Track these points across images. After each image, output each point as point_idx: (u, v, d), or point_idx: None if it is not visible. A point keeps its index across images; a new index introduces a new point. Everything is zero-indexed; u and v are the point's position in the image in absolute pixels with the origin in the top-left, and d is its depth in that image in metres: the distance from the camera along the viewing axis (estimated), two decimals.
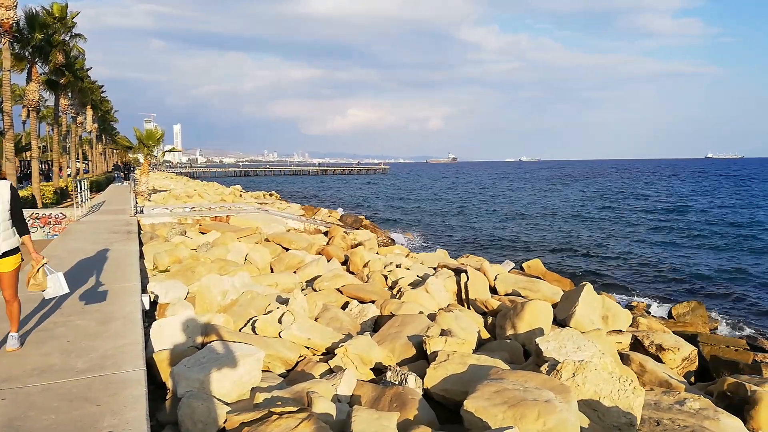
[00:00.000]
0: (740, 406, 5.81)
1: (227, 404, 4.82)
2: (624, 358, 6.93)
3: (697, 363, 8.20)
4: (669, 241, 27.25)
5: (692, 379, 8.05)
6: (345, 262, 13.30)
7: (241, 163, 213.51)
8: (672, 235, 28.93)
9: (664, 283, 18.29)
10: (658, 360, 7.77)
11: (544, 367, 5.40)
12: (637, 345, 8.34)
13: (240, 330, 7.20)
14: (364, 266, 12.49)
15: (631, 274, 19.56)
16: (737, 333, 12.59)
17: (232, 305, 8.16)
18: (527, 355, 7.07)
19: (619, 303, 11.53)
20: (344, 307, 9.21)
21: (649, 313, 12.77)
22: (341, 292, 9.87)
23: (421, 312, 8.44)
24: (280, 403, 4.63)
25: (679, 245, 25.91)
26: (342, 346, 6.24)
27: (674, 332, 9.75)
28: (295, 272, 11.48)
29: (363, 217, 29.56)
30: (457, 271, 11.38)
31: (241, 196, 36.02)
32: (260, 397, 4.81)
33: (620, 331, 8.68)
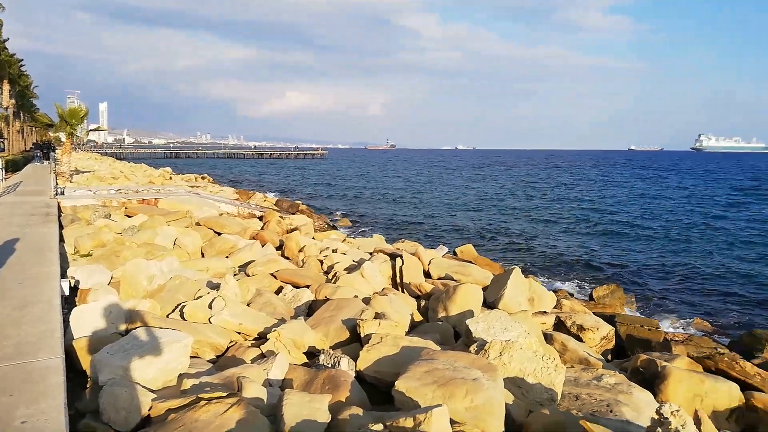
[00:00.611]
0: (651, 380, 6.24)
1: (153, 391, 4.67)
2: (548, 338, 7.27)
3: (614, 342, 8.72)
4: (592, 229, 28.66)
5: (609, 357, 8.55)
6: (280, 247, 13.13)
7: (171, 145, 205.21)
8: (595, 224, 30.43)
9: (586, 267, 19.26)
10: (579, 339, 8.20)
11: (473, 347, 5.57)
12: (560, 325, 8.77)
13: (168, 316, 6.98)
14: (300, 251, 12.38)
15: (557, 259, 20.47)
16: (650, 313, 13.48)
17: (160, 291, 7.89)
18: (458, 337, 7.27)
19: (544, 286, 12.04)
20: (278, 292, 9.11)
21: (572, 295, 13.42)
22: (275, 277, 9.76)
23: (356, 296, 8.48)
24: (208, 389, 4.53)
25: (602, 233, 27.31)
26: (275, 330, 6.19)
27: (594, 313, 10.32)
28: (227, 257, 11.23)
29: (299, 202, 29.24)
30: (393, 256, 11.50)
31: (171, 178, 34.69)
32: (188, 384, 4.70)
33: (545, 312, 9.09)
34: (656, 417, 3.33)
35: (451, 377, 4.53)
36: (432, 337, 6.75)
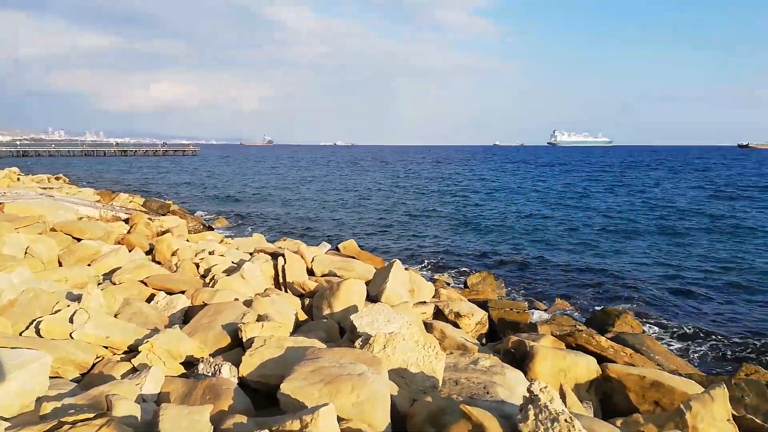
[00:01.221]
0: (522, 359, 6.73)
1: (5, 419, 4.15)
2: (428, 327, 7.55)
3: (487, 326, 9.29)
4: (465, 222, 30.28)
5: (484, 341, 9.11)
6: (150, 252, 12.29)
7: (18, 142, 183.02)
8: (467, 217, 32.19)
9: (460, 257, 20.33)
10: (456, 326, 8.63)
11: (358, 342, 5.63)
12: (438, 314, 9.16)
13: (21, 334, 6.23)
14: (173, 255, 11.68)
15: (434, 250, 21.37)
16: (519, 297, 14.56)
17: (10, 306, 7.01)
18: (344, 333, 7.31)
19: (423, 277, 12.51)
20: (150, 300, 8.52)
21: (449, 284, 14.09)
22: (146, 285, 9.11)
23: (236, 299, 8.18)
24: (73, 411, 4.11)
25: (474, 226, 28.95)
26: (147, 341, 5.77)
27: (469, 300, 10.92)
28: (89, 265, 10.28)
29: (170, 202, 27.59)
30: (274, 255, 11.26)
31: (19, 179, 31.00)
32: (48, 407, 4.22)
33: (425, 302, 9.44)
34: (527, 395, 3.57)
35: (337, 374, 4.53)
36: (317, 335, 6.71)
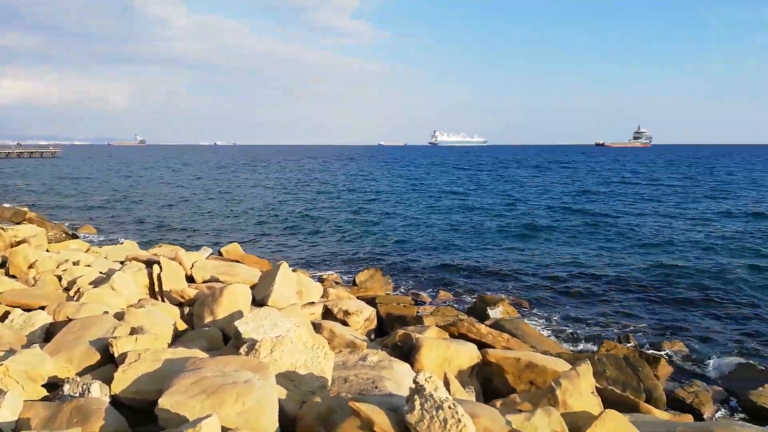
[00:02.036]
0: (409, 352, 6.90)
1: None
2: (317, 327, 7.49)
3: (375, 322, 9.43)
4: (352, 219, 30.52)
5: (373, 336, 9.23)
6: (3, 265, 10.98)
7: None
8: (354, 214, 32.49)
9: (349, 255, 20.46)
10: (345, 324, 8.66)
11: (243, 348, 5.43)
12: (327, 313, 9.13)
13: None
14: (30, 267, 10.53)
15: (323, 249, 21.31)
16: (406, 292, 14.95)
17: None
18: (228, 340, 7.02)
19: (312, 277, 12.41)
20: (4, 318, 7.60)
21: (338, 283, 14.11)
22: None
23: (106, 312, 7.55)
24: None
25: (362, 222, 29.27)
26: (2, 364, 5.14)
27: (358, 297, 11.02)
28: None
29: (26, 209, 24.87)
30: (149, 263, 10.55)
31: None
32: None
33: (313, 303, 9.36)
34: (413, 386, 3.65)
35: (220, 384, 4.34)
36: (199, 344, 6.39)
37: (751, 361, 10.51)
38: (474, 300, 13.68)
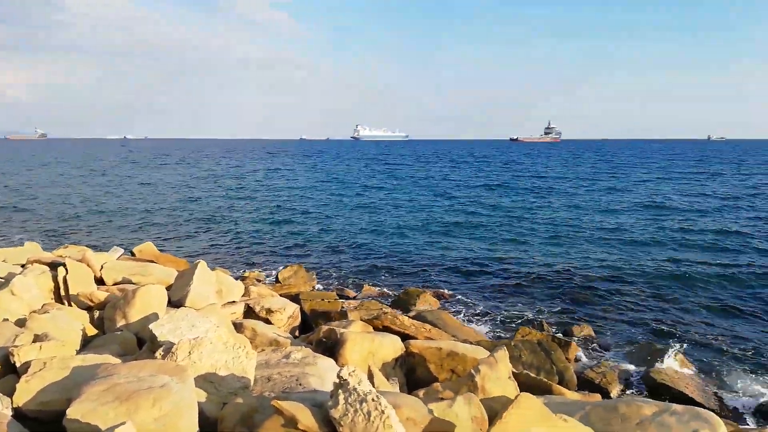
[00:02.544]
0: (333, 347, 6.90)
1: None
2: (238, 327, 7.32)
3: (299, 318, 9.34)
4: (271, 215, 30.00)
5: (297, 333, 9.14)
6: None
7: None
8: (273, 210, 31.94)
9: (270, 252, 20.11)
10: (269, 322, 8.51)
11: (159, 352, 5.21)
12: (250, 312, 8.94)
13: None
14: None
15: (244, 247, 20.80)
16: (330, 287, 14.92)
17: None
18: (143, 344, 6.70)
19: (233, 276, 12.09)
20: None
21: (260, 281, 13.84)
22: None
23: (6, 319, 6.98)
24: None
25: (282, 219, 28.83)
26: None
27: (281, 295, 10.87)
28: None
29: None
30: (54, 265, 9.85)
31: None
32: None
33: (234, 302, 9.12)
34: (337, 381, 3.66)
35: (135, 389, 4.14)
36: (111, 350, 6.06)
37: (650, 342, 11.38)
38: (398, 293, 13.88)
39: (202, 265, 8.79)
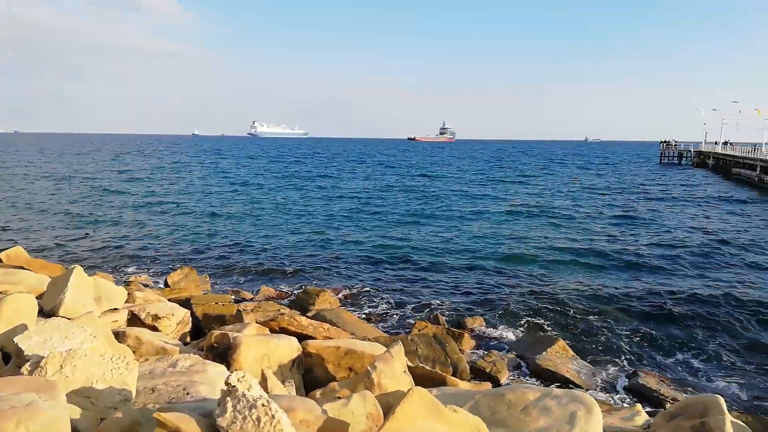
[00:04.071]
0: (226, 353, 6.63)
1: None
2: (120, 336, 6.82)
3: (190, 324, 8.89)
4: (160, 213, 28.43)
5: (188, 339, 8.69)
6: None
7: None
8: (161, 208, 30.28)
9: (161, 253, 19.01)
10: (155, 329, 8.02)
11: (26, 367, 4.71)
12: (135, 319, 8.36)
13: None
14: None
15: (128, 249, 19.49)
16: (225, 290, 14.37)
17: None
18: (9, 359, 6.03)
19: (116, 281, 11.27)
20: None
21: (147, 286, 13.03)
22: None
23: None
24: None
25: (173, 218, 27.39)
26: None
27: (171, 299, 10.29)
28: None
29: None
30: None
31: None
32: None
33: (116, 309, 8.49)
34: (225, 387, 3.51)
35: None
36: None
37: (536, 330, 12.14)
38: (297, 293, 13.69)
39: (77, 271, 8.08)
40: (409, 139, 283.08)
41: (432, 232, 24.08)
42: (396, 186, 45.50)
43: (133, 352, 6.46)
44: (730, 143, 72.29)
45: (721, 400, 4.70)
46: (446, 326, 11.66)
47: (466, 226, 25.58)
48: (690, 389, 9.34)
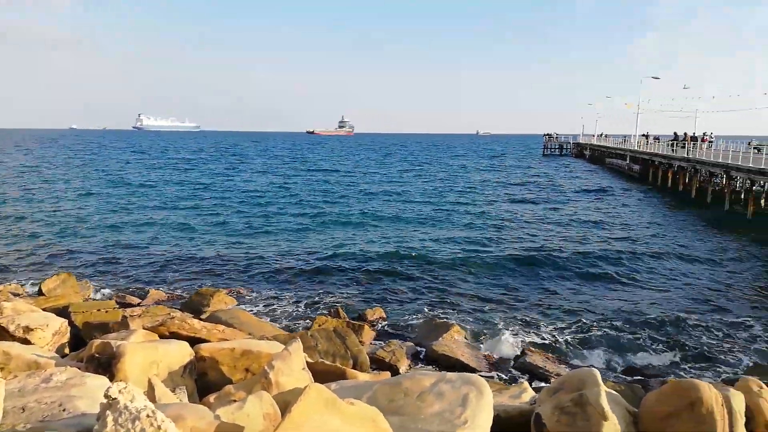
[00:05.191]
0: (109, 363, 6.17)
1: None
2: None
3: (68, 334, 8.19)
4: (32, 212, 25.96)
5: (66, 351, 8.00)
6: None
7: None
8: (35, 206, 27.68)
9: (34, 258, 17.35)
10: (28, 342, 7.30)
11: None
12: (2, 332, 7.56)
13: None
14: None
15: None
16: (109, 296, 13.39)
17: None
18: None
19: None
20: None
21: (17, 295, 11.83)
22: None
23: None
24: None
25: (49, 220, 25.09)
26: None
27: (46, 309, 9.42)
28: None
29: None
30: None
31: None
32: None
33: None
34: (105, 400, 3.26)
35: None
36: None
37: (433, 317, 12.53)
38: (190, 295, 13.07)
39: None
40: (308, 132, 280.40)
41: (330, 227, 24.06)
42: (293, 181, 44.92)
43: (0, 369, 5.84)
44: (605, 135, 79.22)
45: (596, 372, 5.11)
46: (347, 319, 11.71)
47: (366, 221, 25.84)
48: (571, 364, 10.11)
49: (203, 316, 10.72)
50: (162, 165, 62.04)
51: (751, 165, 25.13)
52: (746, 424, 4.49)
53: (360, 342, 9.89)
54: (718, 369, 10.06)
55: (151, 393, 4.56)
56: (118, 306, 10.63)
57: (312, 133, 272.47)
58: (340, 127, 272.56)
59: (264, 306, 13.33)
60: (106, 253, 18.49)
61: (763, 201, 28.45)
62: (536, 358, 10.05)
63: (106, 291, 13.88)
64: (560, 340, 11.53)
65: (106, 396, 3.33)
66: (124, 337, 7.01)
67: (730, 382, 6.37)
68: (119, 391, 3.32)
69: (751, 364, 10.07)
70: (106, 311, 9.49)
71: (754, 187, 27.58)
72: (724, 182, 30.11)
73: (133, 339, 6.88)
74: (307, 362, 6.34)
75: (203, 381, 6.82)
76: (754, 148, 32.18)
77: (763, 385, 4.93)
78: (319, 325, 10.54)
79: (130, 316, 9.81)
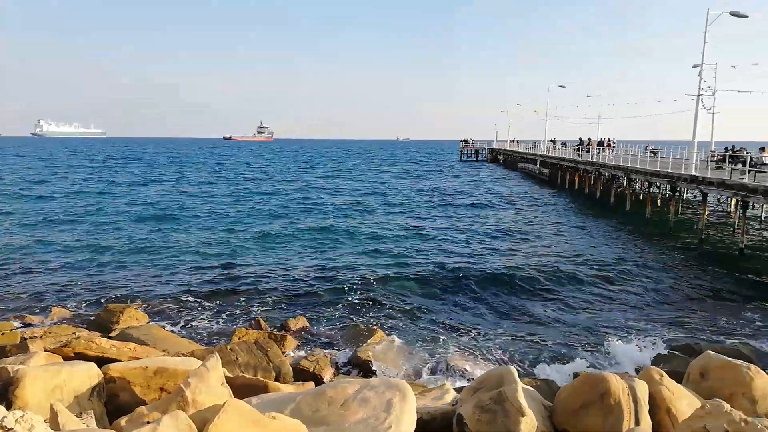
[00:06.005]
0: (6, 389, 5.67)
1: None
2: None
3: None
4: None
5: None
6: None
7: None
8: None
9: None
10: None
11: None
12: None
13: None
14: None
15: None
16: (5, 316, 12.33)
17: None
18: None
19: None
20: None
21: None
22: None
23: None
24: None
25: None
26: None
27: None
28: None
29: None
30: None
31: None
32: None
33: None
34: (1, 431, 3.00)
35: None
36: None
37: (357, 324, 12.53)
38: (97, 312, 12.27)
39: None
40: (225, 138, 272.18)
41: (245, 237, 23.48)
42: (214, 188, 43.51)
43: None
44: (517, 141, 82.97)
45: (513, 370, 5.31)
46: (268, 330, 11.45)
47: (281, 230, 25.46)
48: (491, 364, 10.45)
49: (113, 334, 10.11)
50: (64, 175, 58.01)
51: (648, 168, 27.29)
52: (649, 411, 4.83)
53: (283, 353, 9.71)
54: (626, 362, 10.76)
55: (54, 420, 4.23)
56: (15, 327, 9.80)
57: (229, 139, 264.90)
58: (259, 132, 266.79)
59: (180, 321, 12.76)
60: (0, 270, 17.00)
61: (659, 201, 31.00)
62: (457, 360, 10.30)
63: (3, 312, 12.73)
64: (481, 342, 11.89)
65: (2, 427, 3.07)
66: (23, 361, 6.50)
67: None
68: (16, 421, 3.08)
69: (655, 355, 10.86)
70: (2, 333, 8.72)
71: (651, 189, 29.96)
72: (625, 184, 32.43)
73: (33, 362, 6.39)
74: (226, 377, 6.14)
75: (114, 404, 6.43)
76: (650, 152, 35.07)
77: (664, 374, 5.32)
78: (240, 338, 10.24)
79: (30, 337, 9.08)
